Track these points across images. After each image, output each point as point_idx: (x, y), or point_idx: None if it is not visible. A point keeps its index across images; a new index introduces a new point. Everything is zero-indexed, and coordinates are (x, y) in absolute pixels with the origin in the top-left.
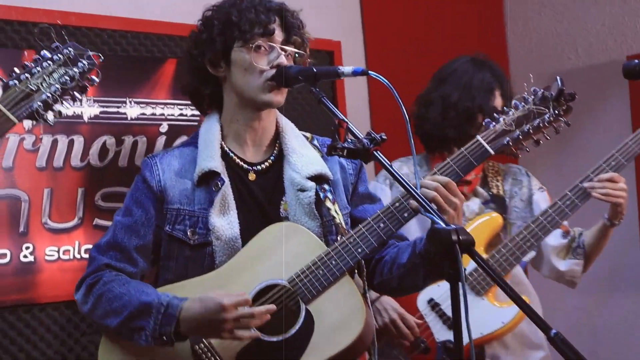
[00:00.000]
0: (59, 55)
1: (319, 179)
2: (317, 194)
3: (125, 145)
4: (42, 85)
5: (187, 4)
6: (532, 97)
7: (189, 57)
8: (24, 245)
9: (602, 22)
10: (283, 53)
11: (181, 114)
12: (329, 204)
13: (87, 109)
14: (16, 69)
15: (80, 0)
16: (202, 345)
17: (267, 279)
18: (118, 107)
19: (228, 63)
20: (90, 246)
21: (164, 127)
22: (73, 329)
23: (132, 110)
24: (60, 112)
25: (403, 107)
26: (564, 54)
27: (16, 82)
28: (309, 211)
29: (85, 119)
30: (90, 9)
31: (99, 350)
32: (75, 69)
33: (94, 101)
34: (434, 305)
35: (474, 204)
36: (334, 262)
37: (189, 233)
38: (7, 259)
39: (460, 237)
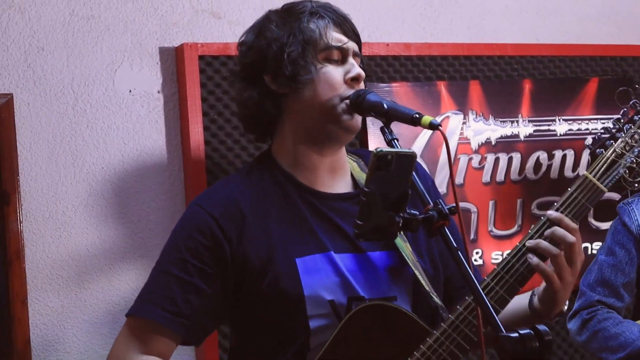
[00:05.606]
0: (638, 115)
1: None
2: None
3: (556, 159)
4: (625, 150)
5: (600, 26)
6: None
7: None
8: (475, 251)
9: None
10: None
11: (604, 128)
12: None
13: (523, 128)
14: (599, 133)
15: (512, 33)
16: None
17: None
18: (549, 125)
19: None
20: None
21: (589, 141)
22: None
23: (560, 127)
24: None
25: None
26: None
27: (602, 150)
28: None
29: (522, 137)
30: (522, 39)
31: None
32: None
33: (529, 121)
34: None
35: None
36: None
37: None
38: None
39: None
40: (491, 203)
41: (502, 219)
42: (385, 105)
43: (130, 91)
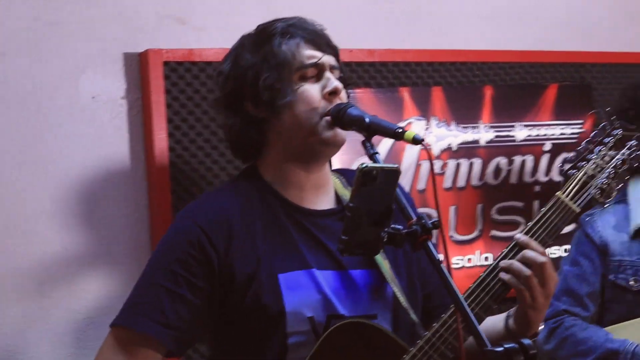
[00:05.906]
0: (608, 138)
1: None
2: None
3: (515, 165)
4: (596, 171)
5: (560, 33)
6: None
7: None
8: None
9: None
10: None
11: (562, 133)
12: None
13: (484, 134)
14: (571, 156)
15: (474, 39)
16: None
17: None
18: (508, 130)
19: None
20: (489, 255)
21: (547, 146)
22: None
23: (520, 133)
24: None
25: None
26: None
27: (574, 171)
28: None
29: (482, 143)
30: (483, 46)
31: None
32: (626, 150)
33: (490, 127)
34: None
35: None
36: None
37: (631, 281)
38: None
39: None
40: (452, 208)
41: (462, 224)
42: (366, 119)
43: (93, 97)
